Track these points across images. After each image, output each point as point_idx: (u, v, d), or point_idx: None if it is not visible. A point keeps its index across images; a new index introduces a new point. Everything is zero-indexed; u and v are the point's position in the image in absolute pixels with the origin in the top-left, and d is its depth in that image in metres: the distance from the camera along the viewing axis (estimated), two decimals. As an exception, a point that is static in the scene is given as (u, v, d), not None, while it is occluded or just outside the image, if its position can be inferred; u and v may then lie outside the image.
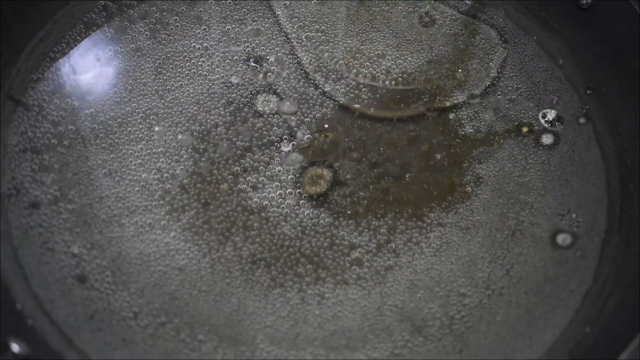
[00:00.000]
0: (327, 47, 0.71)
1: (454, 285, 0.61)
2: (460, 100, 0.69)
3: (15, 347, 0.53)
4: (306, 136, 0.66)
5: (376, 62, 0.71)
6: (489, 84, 0.70)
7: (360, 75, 0.70)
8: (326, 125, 0.67)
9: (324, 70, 0.70)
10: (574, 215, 0.64)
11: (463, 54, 0.72)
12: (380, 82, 0.70)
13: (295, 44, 0.71)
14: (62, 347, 0.57)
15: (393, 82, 0.70)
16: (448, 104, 0.69)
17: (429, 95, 0.69)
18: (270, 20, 0.72)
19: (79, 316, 0.58)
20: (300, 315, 0.59)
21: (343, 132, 0.67)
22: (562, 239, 0.63)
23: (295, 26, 0.72)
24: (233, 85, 0.68)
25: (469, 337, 0.59)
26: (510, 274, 0.62)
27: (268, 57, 0.70)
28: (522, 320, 0.60)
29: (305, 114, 0.67)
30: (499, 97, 0.69)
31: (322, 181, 0.64)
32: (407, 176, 0.65)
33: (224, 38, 0.71)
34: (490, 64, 0.71)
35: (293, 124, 0.67)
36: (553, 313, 0.60)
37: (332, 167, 0.65)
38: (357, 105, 0.68)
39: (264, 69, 0.69)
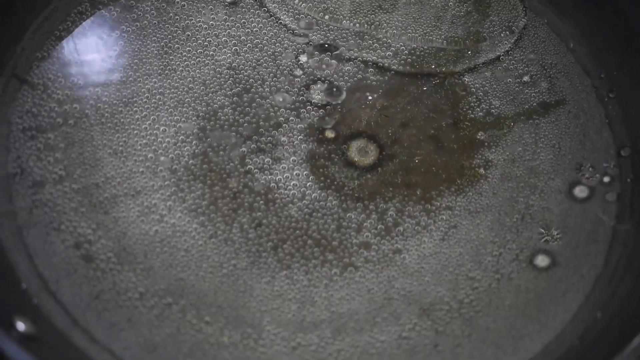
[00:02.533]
0: (333, 26, 0.70)
1: (463, 269, 0.60)
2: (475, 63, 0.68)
3: (20, 326, 0.52)
4: (313, 116, 0.66)
5: (385, 45, 0.70)
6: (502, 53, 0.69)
7: (366, 56, 0.69)
8: (332, 105, 0.66)
9: (330, 49, 0.69)
10: (585, 194, 0.63)
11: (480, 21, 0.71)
12: (388, 63, 0.69)
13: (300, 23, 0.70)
14: (68, 326, 0.56)
15: (402, 64, 0.69)
16: (459, 81, 0.68)
17: (438, 76, 0.68)
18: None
19: (85, 296, 0.57)
20: (307, 297, 0.59)
21: (348, 114, 0.66)
22: (574, 222, 0.62)
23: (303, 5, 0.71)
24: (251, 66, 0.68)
25: (477, 321, 0.59)
26: (519, 258, 0.61)
27: (278, 37, 0.69)
28: (532, 305, 0.59)
29: (304, 101, 0.67)
30: (509, 80, 0.69)
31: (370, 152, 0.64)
32: (415, 159, 0.65)
33: (231, 18, 0.70)
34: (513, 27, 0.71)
35: (299, 103, 0.66)
36: (563, 298, 0.60)
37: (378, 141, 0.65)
38: (366, 90, 0.68)
39: (274, 49, 0.69)
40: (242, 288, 0.59)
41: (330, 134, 0.65)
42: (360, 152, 0.65)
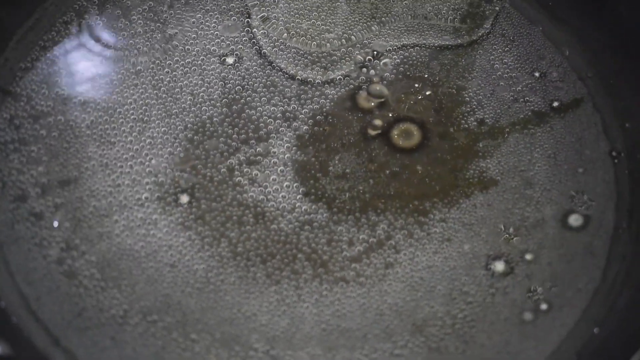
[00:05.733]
0: (325, 36, 0.69)
1: (457, 283, 0.59)
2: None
3: (-4, 347, 0.51)
4: (303, 127, 0.64)
5: (377, 55, 0.68)
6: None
7: (357, 67, 0.68)
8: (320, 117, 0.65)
9: (319, 60, 0.68)
10: (582, 205, 0.62)
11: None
12: (379, 73, 0.67)
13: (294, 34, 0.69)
14: (48, 346, 0.55)
15: (393, 72, 0.68)
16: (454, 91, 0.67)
17: (431, 85, 0.67)
18: (273, 8, 0.70)
19: (66, 314, 0.56)
20: (296, 313, 0.58)
21: (339, 125, 0.65)
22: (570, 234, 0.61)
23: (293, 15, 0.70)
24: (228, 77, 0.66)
25: (472, 337, 0.57)
26: (515, 271, 0.59)
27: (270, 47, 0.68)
28: (528, 320, 0.58)
29: (295, 108, 0.66)
30: (504, 89, 0.67)
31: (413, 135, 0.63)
32: (408, 170, 0.63)
33: (219, 27, 0.69)
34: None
35: (289, 119, 0.65)
36: (560, 312, 0.58)
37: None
38: (360, 101, 0.66)
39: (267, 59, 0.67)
40: (230, 304, 0.57)
41: (316, 147, 0.64)
42: (351, 163, 0.63)
